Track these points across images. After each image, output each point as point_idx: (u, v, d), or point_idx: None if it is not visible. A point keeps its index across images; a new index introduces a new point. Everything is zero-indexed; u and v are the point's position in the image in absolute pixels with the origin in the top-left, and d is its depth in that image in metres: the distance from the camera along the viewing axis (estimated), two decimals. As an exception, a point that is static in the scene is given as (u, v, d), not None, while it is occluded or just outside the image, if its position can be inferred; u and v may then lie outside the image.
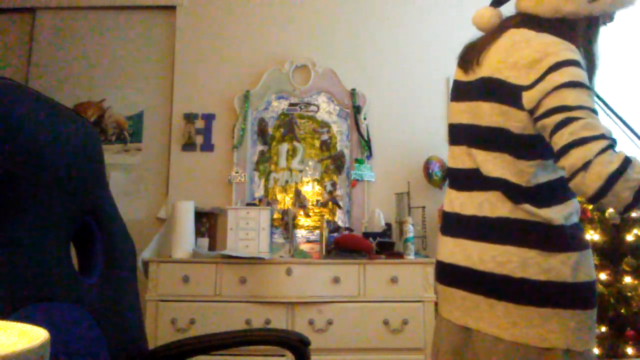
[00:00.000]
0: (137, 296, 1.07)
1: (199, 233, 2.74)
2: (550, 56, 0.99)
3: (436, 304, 2.43)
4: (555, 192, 1.06)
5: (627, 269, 2.24)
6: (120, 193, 2.88)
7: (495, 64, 1.08)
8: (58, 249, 0.85)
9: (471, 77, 1.15)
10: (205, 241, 2.68)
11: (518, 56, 1.03)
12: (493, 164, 1.07)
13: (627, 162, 0.89)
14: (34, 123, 0.82)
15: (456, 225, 1.15)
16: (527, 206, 1.03)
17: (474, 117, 1.12)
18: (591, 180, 0.89)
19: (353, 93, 2.98)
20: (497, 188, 1.07)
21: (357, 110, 2.95)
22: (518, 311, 1.01)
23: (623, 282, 2.24)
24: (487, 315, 1.05)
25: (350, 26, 3.10)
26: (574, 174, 0.91)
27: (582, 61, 1.01)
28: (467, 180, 1.14)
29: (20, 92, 0.81)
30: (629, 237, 2.30)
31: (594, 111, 0.95)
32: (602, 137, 0.91)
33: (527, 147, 1.04)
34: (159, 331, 2.32)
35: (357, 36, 3.09)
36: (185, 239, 2.55)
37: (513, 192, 1.05)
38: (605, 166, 0.88)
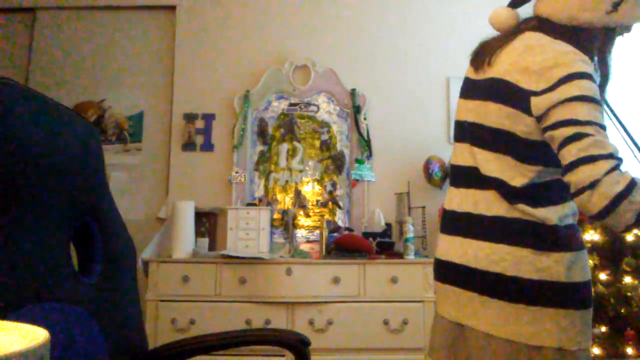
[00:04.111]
0: (137, 296, 1.07)
1: (199, 233, 2.74)
2: (563, 66, 0.98)
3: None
4: (551, 193, 1.06)
5: (627, 269, 2.24)
6: (120, 193, 2.88)
7: (506, 66, 1.07)
8: (58, 249, 0.85)
9: (481, 75, 1.15)
10: (205, 241, 2.68)
11: (530, 61, 1.03)
12: (493, 164, 1.08)
13: (632, 184, 0.91)
14: (33, 123, 0.82)
15: (453, 222, 1.16)
16: (523, 206, 1.04)
17: (480, 116, 1.12)
18: (597, 200, 0.90)
19: (353, 93, 2.98)
20: (493, 188, 1.08)
21: (357, 110, 2.95)
22: (510, 309, 1.02)
23: (623, 282, 2.23)
24: (480, 312, 1.06)
25: (350, 26, 3.10)
26: (580, 191, 0.92)
27: (595, 74, 1.01)
28: (465, 177, 1.15)
29: (20, 92, 0.81)
30: (629, 237, 2.29)
31: (603, 127, 0.95)
32: (610, 156, 0.91)
33: (531, 152, 1.05)
34: (159, 331, 2.32)
35: (357, 36, 3.09)
36: (185, 239, 2.55)
37: (508, 192, 1.05)
38: (612, 187, 0.89)
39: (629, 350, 2.16)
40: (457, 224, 1.15)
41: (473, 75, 1.19)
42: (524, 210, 1.03)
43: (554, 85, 0.97)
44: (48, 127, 0.85)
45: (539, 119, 1.00)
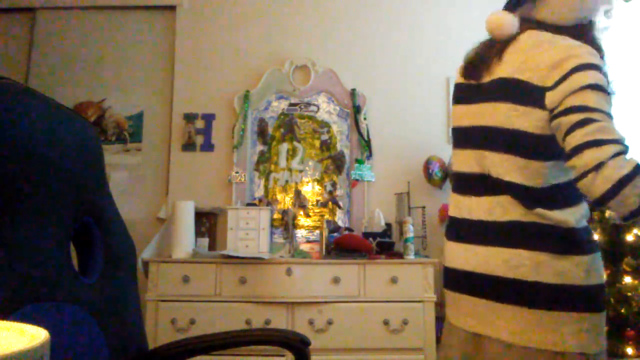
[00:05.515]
0: (137, 296, 1.07)
1: (199, 233, 2.74)
2: (574, 58, 0.99)
3: (438, 305, 2.43)
4: (567, 194, 1.05)
5: (627, 269, 2.24)
6: (120, 193, 2.88)
7: (516, 65, 1.07)
8: (58, 249, 0.85)
9: (486, 78, 1.14)
10: (205, 241, 2.68)
11: (542, 57, 1.03)
12: (504, 167, 1.06)
13: (637, 169, 0.91)
14: (33, 123, 0.82)
15: (464, 230, 1.14)
16: (540, 210, 1.02)
17: (487, 118, 1.11)
18: (601, 182, 0.90)
19: (353, 93, 2.97)
20: (508, 192, 1.06)
21: (357, 110, 2.95)
22: (530, 315, 1.00)
23: (623, 282, 2.23)
24: (499, 321, 1.03)
25: (350, 26, 3.10)
26: (584, 174, 0.92)
27: (603, 67, 1.02)
28: (475, 185, 1.13)
29: (20, 92, 0.81)
30: (629, 237, 2.29)
31: (611, 116, 0.96)
32: (616, 141, 0.92)
33: (544, 147, 1.04)
34: (159, 331, 2.32)
35: (357, 36, 3.09)
36: (185, 239, 2.55)
37: (525, 195, 1.04)
38: (617, 170, 0.89)
39: (629, 350, 2.16)
40: (469, 231, 1.12)
41: (471, 80, 1.18)
42: (541, 214, 1.02)
43: (566, 75, 0.98)
44: (48, 127, 0.85)
45: (552, 110, 1.00)
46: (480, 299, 1.07)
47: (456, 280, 1.14)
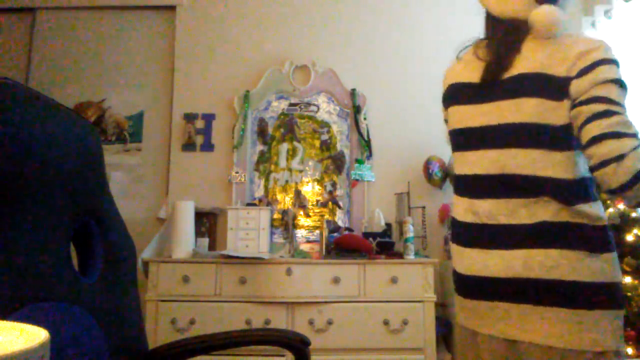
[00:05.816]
0: (137, 296, 1.07)
1: (199, 233, 2.74)
2: (599, 50, 1.02)
3: (438, 305, 2.43)
4: (593, 189, 1.06)
5: (627, 269, 2.24)
6: (120, 193, 2.88)
7: (539, 60, 1.06)
8: (58, 249, 0.85)
9: (504, 75, 1.10)
10: (205, 241, 2.68)
11: (566, 51, 1.04)
12: (540, 162, 1.04)
13: None
14: (34, 123, 0.82)
15: (484, 235, 1.10)
16: (578, 206, 1.01)
17: (511, 115, 1.07)
18: (622, 173, 0.93)
19: (353, 93, 2.98)
20: (539, 191, 1.04)
21: (357, 110, 2.95)
22: (570, 316, 0.99)
23: (623, 282, 2.23)
24: (537, 324, 1.01)
25: (350, 26, 3.10)
26: (603, 164, 0.94)
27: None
28: (492, 187, 1.10)
29: (20, 92, 0.81)
30: (629, 237, 2.29)
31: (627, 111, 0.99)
32: (634, 135, 0.95)
33: (572, 135, 1.03)
34: (159, 331, 2.32)
35: (357, 36, 3.09)
36: (185, 239, 2.55)
37: (561, 191, 1.02)
38: (636, 163, 0.92)
39: (629, 350, 2.16)
40: (490, 236, 1.09)
41: (481, 79, 1.14)
42: (577, 210, 1.01)
43: (592, 66, 1.00)
44: (48, 127, 0.85)
45: (575, 100, 1.01)
46: (515, 304, 1.04)
47: (481, 288, 1.10)
